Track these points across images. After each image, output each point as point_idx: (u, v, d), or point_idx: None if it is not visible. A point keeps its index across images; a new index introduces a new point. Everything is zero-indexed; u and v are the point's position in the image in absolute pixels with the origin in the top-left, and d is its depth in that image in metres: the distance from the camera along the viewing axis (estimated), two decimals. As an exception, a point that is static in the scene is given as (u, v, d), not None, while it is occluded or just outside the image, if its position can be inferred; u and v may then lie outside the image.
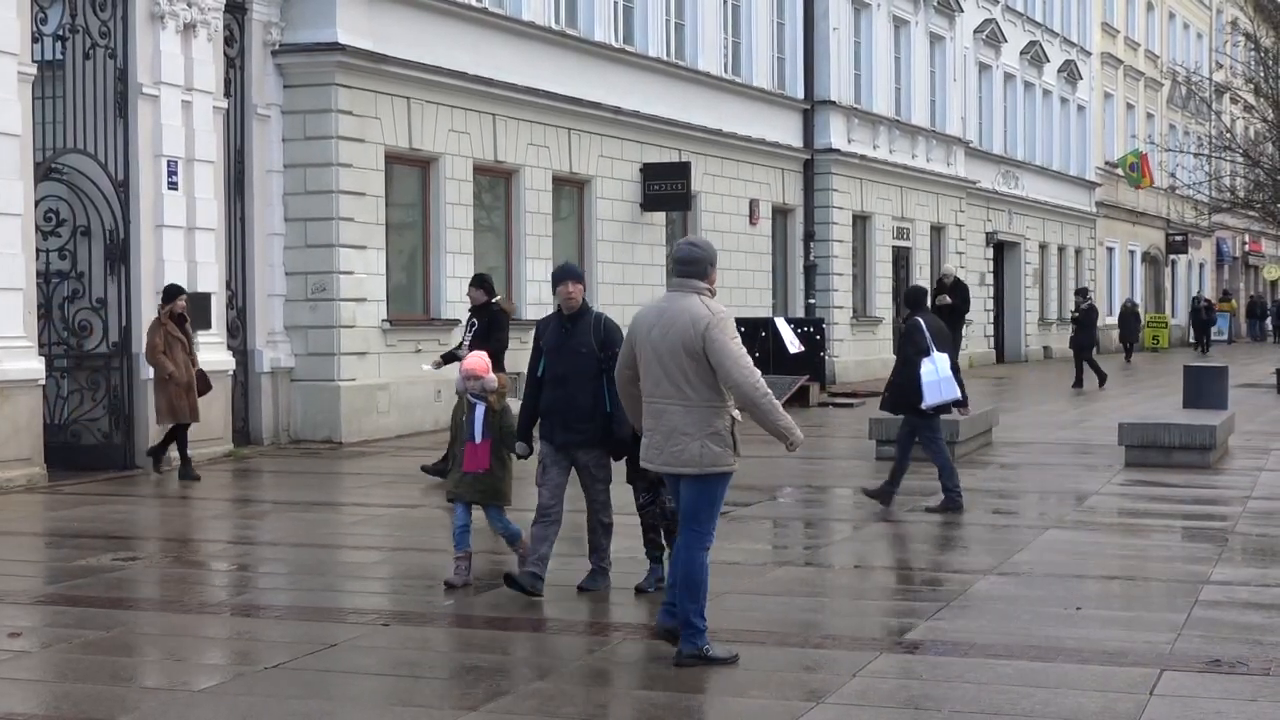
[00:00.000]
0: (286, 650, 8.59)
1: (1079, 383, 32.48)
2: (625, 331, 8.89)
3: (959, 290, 26.73)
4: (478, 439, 10.24)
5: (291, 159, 20.65)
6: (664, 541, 9.94)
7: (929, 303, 23.52)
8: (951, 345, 23.16)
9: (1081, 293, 35.98)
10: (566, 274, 10.23)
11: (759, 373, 8.29)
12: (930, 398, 14.00)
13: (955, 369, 23.44)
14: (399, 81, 21.80)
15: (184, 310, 16.66)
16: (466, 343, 15.91)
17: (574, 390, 9.86)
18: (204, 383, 16.77)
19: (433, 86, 22.47)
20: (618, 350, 9.14)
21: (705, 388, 8.22)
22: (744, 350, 8.34)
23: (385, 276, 21.75)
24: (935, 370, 14.04)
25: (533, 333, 10.62)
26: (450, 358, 16.33)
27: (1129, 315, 48.12)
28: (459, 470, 10.42)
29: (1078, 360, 33.23)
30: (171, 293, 16.65)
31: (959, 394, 14.74)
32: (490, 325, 16.01)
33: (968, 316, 28.56)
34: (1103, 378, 32.71)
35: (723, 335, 8.24)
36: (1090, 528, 13.36)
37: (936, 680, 7.98)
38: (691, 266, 8.55)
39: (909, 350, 14.26)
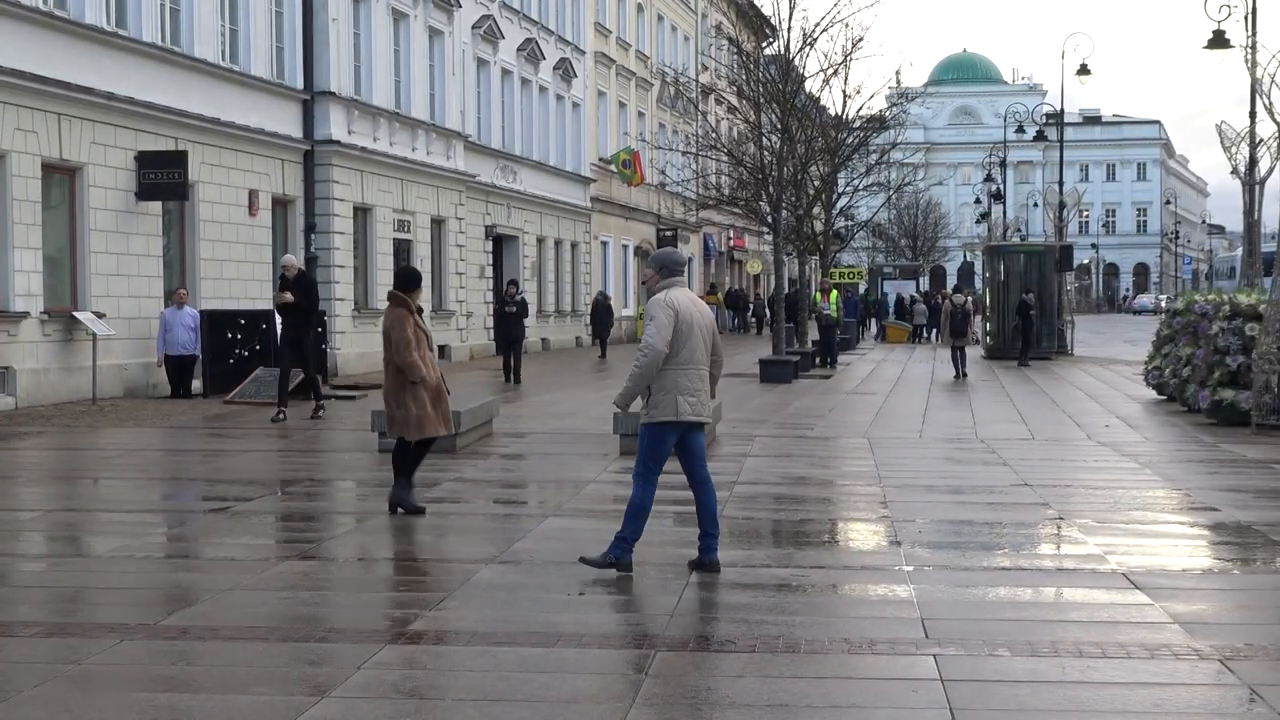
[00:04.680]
0: None
1: (516, 378, 31.35)
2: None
3: (304, 285, 23.05)
4: None
5: None
6: None
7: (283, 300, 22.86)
8: (295, 350, 22.66)
9: (514, 283, 34.71)
10: None
11: None
12: None
13: (307, 370, 22.74)
14: None
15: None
16: None
17: None
18: (445, 386, 13.79)
19: (-92, 66, 21.34)
20: None
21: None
22: None
23: None
24: None
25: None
26: None
27: (601, 308, 46.22)
28: None
29: (509, 354, 31.89)
30: (413, 278, 13.78)
31: None
32: None
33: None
34: (514, 375, 31.49)
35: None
36: (588, 515, 13.70)
37: (440, 669, 8.09)
38: (682, 267, 11.02)
39: None
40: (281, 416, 22.17)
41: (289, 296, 22.51)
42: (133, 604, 9.78)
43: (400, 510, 13.37)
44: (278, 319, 24.03)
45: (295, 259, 24.60)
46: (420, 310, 13.66)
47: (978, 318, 52.23)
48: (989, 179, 78.45)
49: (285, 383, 22.71)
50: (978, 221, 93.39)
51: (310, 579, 10.71)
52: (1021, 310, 41.89)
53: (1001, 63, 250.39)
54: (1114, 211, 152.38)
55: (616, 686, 7.73)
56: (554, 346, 49.24)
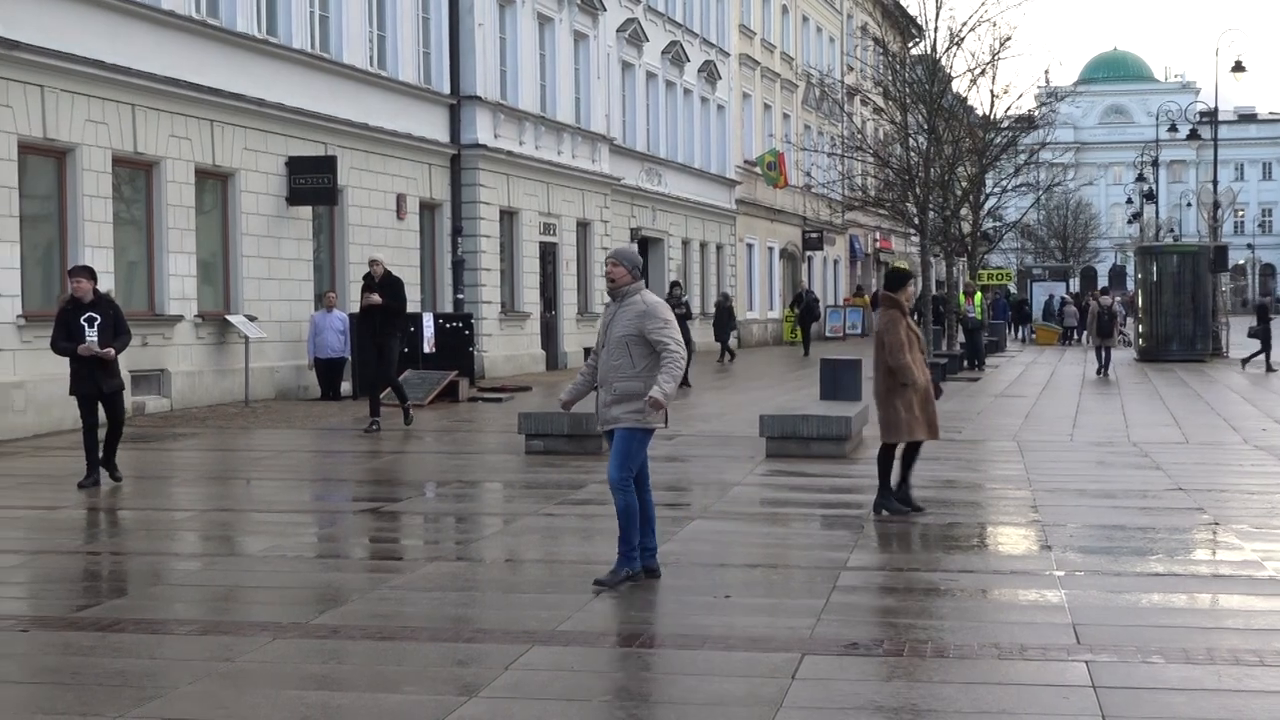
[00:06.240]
0: (-81, 661, 8.26)
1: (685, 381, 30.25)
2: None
3: (391, 286, 21.78)
4: None
5: (-88, 147, 19.75)
6: None
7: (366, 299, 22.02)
8: (379, 355, 21.91)
9: (679, 284, 32.08)
10: None
11: None
12: None
13: (390, 378, 21.73)
14: (32, 69, 21.06)
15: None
16: (94, 339, 15.05)
17: None
18: (937, 389, 13.73)
19: (68, 75, 21.78)
20: None
21: None
22: None
23: (20, 271, 21.00)
24: None
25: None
26: (73, 354, 15.12)
27: (722, 311, 42.84)
28: None
29: None
30: (902, 277, 13.67)
31: None
32: (118, 319, 15.25)
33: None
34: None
35: None
36: (734, 517, 13.68)
37: (587, 670, 8.10)
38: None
39: None
40: (375, 427, 21.24)
41: (376, 298, 21.46)
42: (284, 603, 9.91)
43: (884, 513, 13.29)
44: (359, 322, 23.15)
45: (383, 258, 22.97)
46: (913, 311, 13.54)
47: (1129, 319, 51.53)
48: (1141, 179, 77.35)
49: (376, 391, 21.88)
50: (1129, 222, 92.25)
51: (458, 579, 10.78)
52: (1260, 313, 40.50)
53: (1153, 60, 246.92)
54: (1270, 211, 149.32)
55: (764, 690, 7.69)
56: (698, 349, 49.12)
